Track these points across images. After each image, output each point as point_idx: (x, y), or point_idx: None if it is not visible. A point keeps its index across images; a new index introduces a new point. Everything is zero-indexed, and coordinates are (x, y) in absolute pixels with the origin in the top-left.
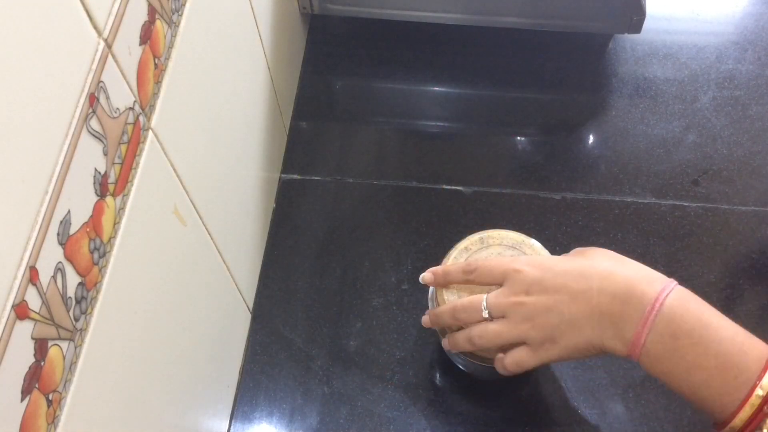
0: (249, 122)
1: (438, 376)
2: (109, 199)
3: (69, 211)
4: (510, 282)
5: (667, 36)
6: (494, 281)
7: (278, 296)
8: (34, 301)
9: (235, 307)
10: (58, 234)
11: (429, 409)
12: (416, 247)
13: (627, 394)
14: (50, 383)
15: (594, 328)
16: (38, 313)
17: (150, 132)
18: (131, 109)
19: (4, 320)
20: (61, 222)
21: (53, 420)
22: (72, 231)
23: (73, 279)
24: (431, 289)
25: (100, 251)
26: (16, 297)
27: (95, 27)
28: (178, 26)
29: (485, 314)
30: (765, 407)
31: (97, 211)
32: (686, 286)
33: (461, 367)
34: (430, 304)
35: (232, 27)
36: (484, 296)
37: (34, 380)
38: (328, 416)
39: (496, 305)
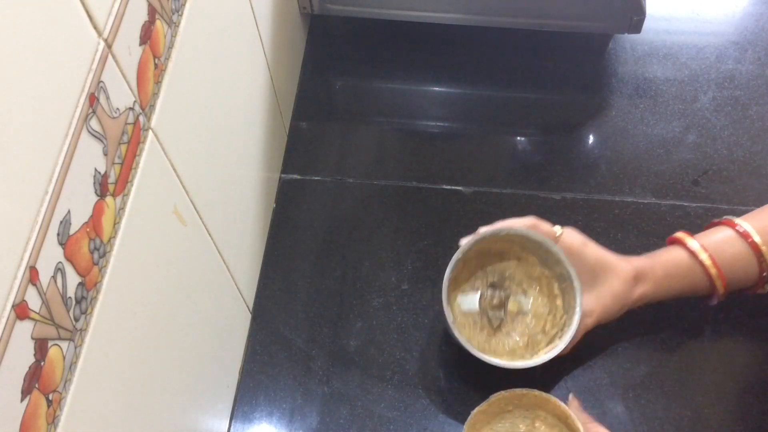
0: (249, 122)
1: (438, 376)
2: (109, 199)
3: (69, 211)
4: None
5: (667, 36)
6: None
7: (278, 296)
8: (34, 301)
9: (235, 307)
10: (58, 234)
11: (429, 409)
12: (416, 247)
13: (627, 394)
14: (50, 383)
15: None
16: (38, 313)
17: (150, 132)
18: (131, 109)
19: (4, 320)
20: (61, 222)
21: (53, 420)
22: (72, 231)
23: (73, 279)
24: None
25: (100, 251)
26: (16, 297)
27: (95, 27)
28: (178, 26)
29: None
30: None
31: (97, 211)
32: None
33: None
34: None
35: (232, 27)
36: None
37: (34, 380)
38: (328, 416)
39: None
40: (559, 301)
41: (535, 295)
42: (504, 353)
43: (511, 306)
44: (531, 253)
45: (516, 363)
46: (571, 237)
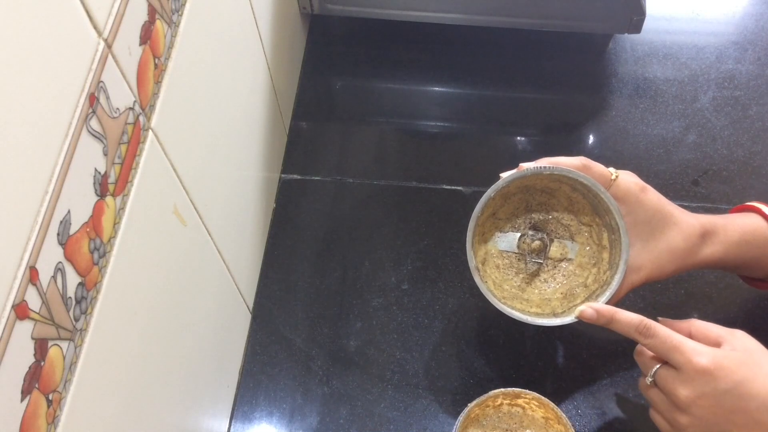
0: (249, 122)
1: (438, 375)
2: (109, 199)
3: (69, 211)
4: (687, 376)
5: (667, 36)
6: (666, 360)
7: (278, 296)
8: (34, 301)
9: (235, 307)
10: (58, 234)
11: (429, 409)
12: (416, 247)
13: (627, 394)
14: (50, 383)
15: None
16: (38, 313)
17: (150, 132)
18: (131, 109)
19: (4, 320)
20: (61, 222)
21: (53, 420)
22: (72, 231)
23: (73, 279)
24: None
25: (100, 251)
26: (16, 297)
27: (95, 27)
28: (178, 26)
29: (648, 380)
30: None
31: (97, 211)
32: (686, 286)
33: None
34: None
35: (232, 27)
36: (656, 367)
37: (34, 380)
38: (328, 416)
39: (664, 387)
40: (606, 254)
41: (582, 241)
42: (537, 302)
43: (554, 251)
44: (582, 195)
45: (537, 320)
46: (627, 182)
